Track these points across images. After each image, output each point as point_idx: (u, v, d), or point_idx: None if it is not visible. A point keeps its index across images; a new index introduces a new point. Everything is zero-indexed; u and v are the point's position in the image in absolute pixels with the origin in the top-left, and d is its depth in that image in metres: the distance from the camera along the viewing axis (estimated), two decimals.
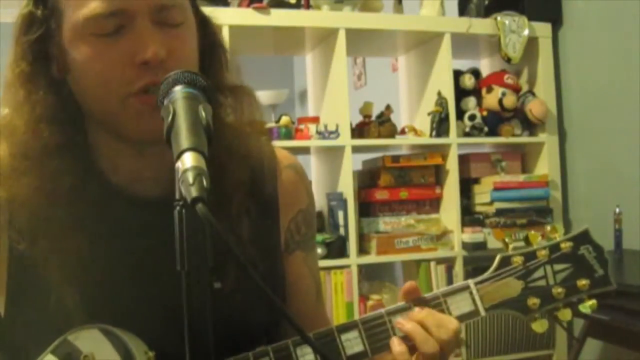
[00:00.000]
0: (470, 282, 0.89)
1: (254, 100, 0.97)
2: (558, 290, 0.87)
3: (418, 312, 0.87)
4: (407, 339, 0.86)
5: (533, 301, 0.88)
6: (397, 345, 0.86)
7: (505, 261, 0.90)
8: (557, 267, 0.88)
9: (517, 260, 0.89)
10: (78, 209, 0.86)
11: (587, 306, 0.87)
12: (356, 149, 2.75)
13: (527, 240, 0.90)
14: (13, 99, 0.87)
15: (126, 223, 0.91)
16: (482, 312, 0.88)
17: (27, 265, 0.87)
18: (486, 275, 0.90)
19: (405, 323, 0.86)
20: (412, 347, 0.86)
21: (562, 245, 0.89)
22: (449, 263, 2.81)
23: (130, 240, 0.90)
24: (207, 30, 0.94)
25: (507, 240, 0.88)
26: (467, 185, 2.93)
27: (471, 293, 0.89)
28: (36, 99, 0.86)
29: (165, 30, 0.84)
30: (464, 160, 2.91)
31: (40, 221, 0.85)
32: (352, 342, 0.86)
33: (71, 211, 0.86)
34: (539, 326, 0.88)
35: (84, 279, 0.85)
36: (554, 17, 2.96)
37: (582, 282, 0.87)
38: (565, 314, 0.88)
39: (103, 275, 0.87)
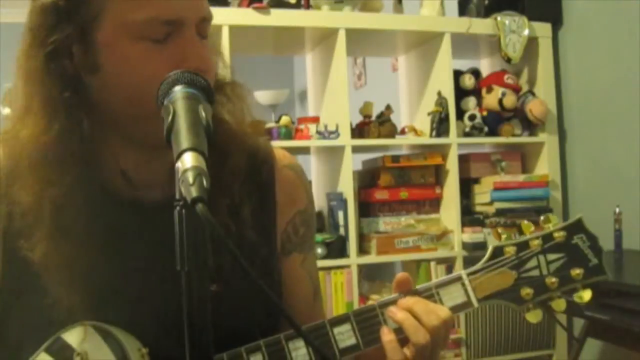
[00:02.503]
0: (463, 273, 0.89)
1: (247, 95, 0.97)
2: (551, 280, 0.87)
3: (407, 300, 0.87)
4: (399, 331, 0.86)
5: (526, 291, 0.87)
6: (386, 335, 0.86)
7: (498, 251, 0.89)
8: (551, 256, 0.88)
9: (510, 250, 0.88)
10: (84, 213, 0.86)
11: (582, 296, 0.87)
12: (356, 149, 2.75)
13: (520, 230, 0.89)
14: (32, 97, 0.85)
15: (127, 227, 0.90)
16: (475, 303, 0.88)
17: (24, 265, 0.87)
18: (479, 266, 0.89)
19: (396, 312, 0.86)
20: (403, 340, 0.86)
21: (556, 234, 0.88)
22: (449, 263, 2.80)
23: (131, 244, 0.90)
24: None
25: (500, 231, 0.88)
26: (467, 185, 2.93)
27: (463, 284, 0.88)
28: (59, 98, 0.84)
29: (202, 40, 0.86)
30: (464, 160, 2.91)
31: (51, 226, 0.84)
32: (345, 335, 0.86)
33: (78, 215, 0.85)
34: (533, 316, 0.88)
35: (86, 280, 0.85)
36: (554, 17, 2.96)
37: (576, 272, 0.87)
38: (560, 304, 0.87)
39: (105, 278, 0.86)
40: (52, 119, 0.84)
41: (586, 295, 0.86)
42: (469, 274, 0.89)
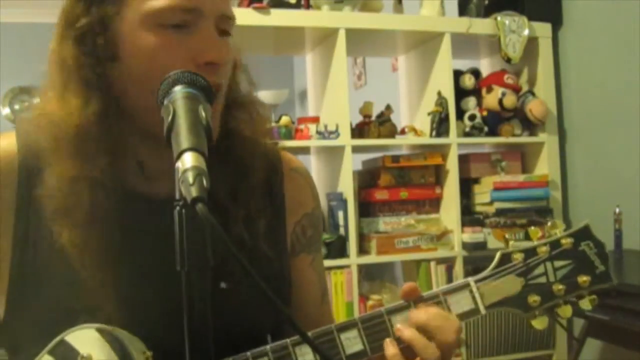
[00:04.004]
0: (471, 280, 0.89)
1: (266, 112, 1.00)
2: (558, 287, 0.87)
3: (417, 314, 0.85)
4: (400, 340, 0.85)
5: (533, 298, 0.87)
6: (390, 348, 0.85)
7: (506, 258, 0.89)
8: (558, 263, 0.88)
9: (518, 257, 0.88)
10: (100, 204, 0.86)
11: (587, 302, 0.87)
12: (356, 149, 2.75)
13: (527, 236, 0.89)
14: (66, 82, 0.86)
15: (138, 222, 0.90)
16: (483, 311, 0.88)
17: (32, 264, 0.87)
18: (486, 272, 0.89)
19: (403, 330, 0.85)
20: (409, 349, 0.86)
21: (563, 241, 0.88)
22: (449, 263, 2.80)
23: (142, 239, 0.90)
24: None
25: (507, 236, 0.88)
26: (467, 185, 2.93)
27: (471, 291, 0.88)
28: (92, 84, 0.86)
29: (222, 38, 0.87)
30: (464, 160, 2.91)
31: (67, 211, 0.85)
32: (352, 341, 0.86)
33: (94, 205, 0.85)
34: (539, 323, 0.88)
35: (97, 276, 0.85)
36: (554, 17, 2.96)
37: (583, 279, 0.87)
38: (566, 311, 0.87)
39: (116, 272, 0.86)
40: (86, 101, 0.85)
41: (592, 302, 0.87)
42: (476, 281, 0.88)
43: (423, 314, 0.86)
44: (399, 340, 0.85)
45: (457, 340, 0.84)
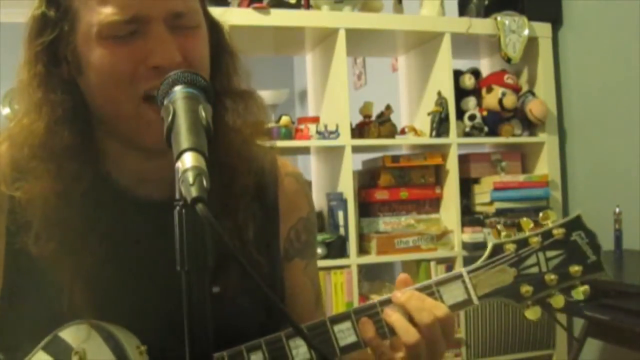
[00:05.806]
0: (463, 270, 0.89)
1: (262, 106, 0.98)
2: (550, 277, 0.87)
3: (402, 295, 0.86)
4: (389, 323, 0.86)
5: (526, 289, 0.87)
6: (368, 332, 0.86)
7: (498, 249, 0.89)
8: (550, 253, 0.88)
9: (510, 247, 0.88)
10: (88, 210, 0.87)
11: (580, 292, 0.87)
12: (356, 149, 2.75)
13: (519, 226, 0.89)
14: (29, 100, 0.87)
15: (131, 224, 0.91)
16: (475, 301, 0.88)
17: (27, 260, 0.87)
18: (479, 263, 0.89)
19: (391, 314, 0.86)
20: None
21: (555, 231, 0.88)
22: (449, 263, 2.80)
23: (135, 242, 0.91)
24: (217, 34, 0.95)
25: (499, 227, 0.88)
26: (467, 185, 2.93)
27: (464, 282, 0.88)
28: (55, 99, 0.87)
29: (180, 34, 0.85)
30: (464, 160, 2.91)
31: (55, 222, 0.85)
32: (345, 333, 0.86)
33: (82, 212, 0.86)
34: (532, 313, 0.88)
35: (91, 279, 0.85)
36: (554, 17, 2.96)
37: (575, 269, 0.87)
38: (558, 301, 0.87)
39: (108, 275, 0.87)
40: (50, 116, 0.86)
41: (584, 292, 0.87)
42: (469, 272, 0.88)
43: (402, 294, 0.86)
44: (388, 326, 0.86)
45: (439, 325, 0.84)
